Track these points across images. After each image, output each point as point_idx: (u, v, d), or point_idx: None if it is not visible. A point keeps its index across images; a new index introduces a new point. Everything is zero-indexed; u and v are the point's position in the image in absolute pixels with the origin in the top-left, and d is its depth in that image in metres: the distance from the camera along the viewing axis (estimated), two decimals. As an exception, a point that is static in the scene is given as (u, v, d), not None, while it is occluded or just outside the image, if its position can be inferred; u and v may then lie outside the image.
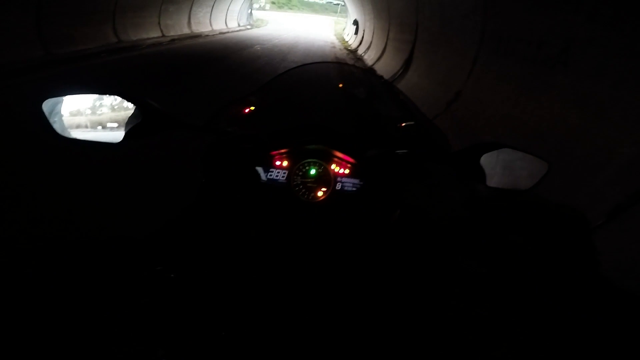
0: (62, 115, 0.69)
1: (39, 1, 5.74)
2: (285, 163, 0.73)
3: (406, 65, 6.49)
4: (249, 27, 20.02)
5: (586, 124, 2.34)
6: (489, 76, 3.81)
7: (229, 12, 16.69)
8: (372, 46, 10.47)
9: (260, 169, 0.73)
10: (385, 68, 7.83)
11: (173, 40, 10.24)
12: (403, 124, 0.96)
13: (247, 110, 0.94)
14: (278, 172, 0.73)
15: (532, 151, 0.73)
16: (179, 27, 11.48)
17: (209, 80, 6.16)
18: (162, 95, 4.72)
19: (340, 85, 1.07)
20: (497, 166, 0.73)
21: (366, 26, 12.33)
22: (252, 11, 23.61)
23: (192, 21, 12.51)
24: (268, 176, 0.73)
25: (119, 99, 0.68)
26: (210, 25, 14.34)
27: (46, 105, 0.67)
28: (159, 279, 0.57)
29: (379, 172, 0.75)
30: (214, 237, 0.66)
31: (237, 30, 16.99)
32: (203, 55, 8.64)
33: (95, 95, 0.70)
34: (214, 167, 0.73)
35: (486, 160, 0.73)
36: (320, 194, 0.73)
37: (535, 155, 0.72)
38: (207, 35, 13.01)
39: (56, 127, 0.69)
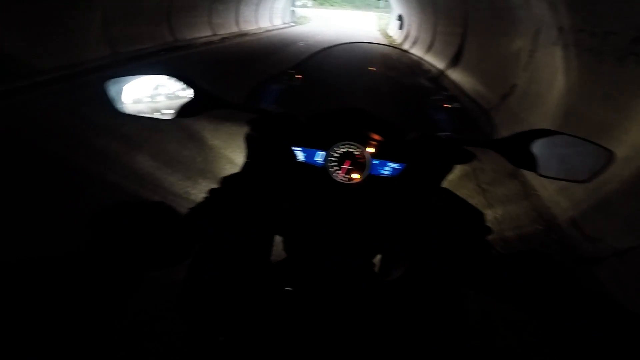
0: (126, 96, 0.76)
1: (103, 3, 6.13)
2: (322, 144, 0.73)
3: (456, 58, 6.33)
4: (292, 24, 20.33)
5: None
6: (547, 69, 3.64)
7: (273, 10, 17.03)
8: (418, 41, 10.27)
9: (297, 149, 0.73)
10: (433, 62, 7.68)
11: (223, 38, 10.66)
12: (447, 106, 0.90)
13: (285, 89, 0.93)
14: (314, 153, 0.73)
15: (591, 140, 0.67)
16: (227, 25, 11.90)
17: (260, 73, 6.41)
18: (222, 84, 5.02)
19: (376, 68, 1.04)
20: (550, 154, 0.68)
21: (412, 20, 12.09)
22: (294, 9, 23.89)
23: (240, 19, 12.92)
24: (304, 157, 0.74)
25: (172, 79, 0.74)
26: (257, 23, 14.73)
27: (108, 85, 0.73)
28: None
29: (419, 155, 0.73)
30: (249, 211, 0.66)
31: (281, 28, 17.32)
32: (253, 52, 8.99)
33: (155, 79, 0.75)
34: (253, 146, 0.75)
35: (538, 147, 0.67)
36: (356, 176, 0.72)
37: (596, 144, 0.67)
38: (255, 33, 13.41)
39: (119, 105, 0.75)
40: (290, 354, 0.64)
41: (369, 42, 1.00)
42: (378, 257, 0.75)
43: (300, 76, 0.93)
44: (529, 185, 3.00)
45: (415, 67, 1.03)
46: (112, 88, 0.74)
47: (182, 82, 0.73)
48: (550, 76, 3.57)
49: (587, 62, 2.98)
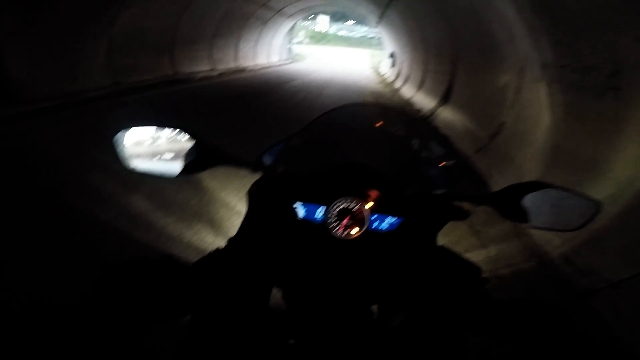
0: (124, 146, 0.76)
1: (110, 32, 6.23)
2: (323, 199, 0.75)
3: (446, 97, 6.57)
4: (288, 61, 21.08)
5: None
6: (533, 106, 3.74)
7: (270, 46, 17.67)
8: (409, 79, 10.66)
9: (298, 206, 0.76)
10: (424, 100, 7.93)
11: (221, 74, 10.96)
12: (443, 163, 0.96)
13: (288, 149, 0.97)
14: (316, 209, 0.76)
15: (579, 191, 0.73)
16: (226, 60, 12.24)
17: (256, 113, 6.63)
18: (215, 124, 5.11)
19: (378, 125, 1.10)
20: (542, 206, 0.72)
21: (404, 58, 12.58)
22: (291, 46, 24.87)
23: (239, 55, 13.32)
24: (305, 212, 0.76)
25: (179, 132, 0.76)
26: (255, 59, 15.21)
27: (116, 137, 0.75)
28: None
29: (417, 211, 0.76)
30: (251, 266, 0.70)
31: (278, 65, 17.93)
32: (250, 89, 9.24)
33: (155, 128, 0.77)
34: (256, 202, 0.77)
35: (530, 199, 0.72)
36: (354, 231, 0.74)
37: (585, 195, 0.72)
38: (252, 70, 13.81)
39: (125, 160, 0.77)
40: None
41: (366, 104, 1.04)
42: (378, 306, 0.77)
43: (302, 138, 0.98)
44: (520, 225, 3.02)
45: (407, 116, 1.09)
46: (120, 140, 0.76)
47: (189, 136, 0.75)
48: (535, 113, 3.65)
49: (570, 98, 3.04)
